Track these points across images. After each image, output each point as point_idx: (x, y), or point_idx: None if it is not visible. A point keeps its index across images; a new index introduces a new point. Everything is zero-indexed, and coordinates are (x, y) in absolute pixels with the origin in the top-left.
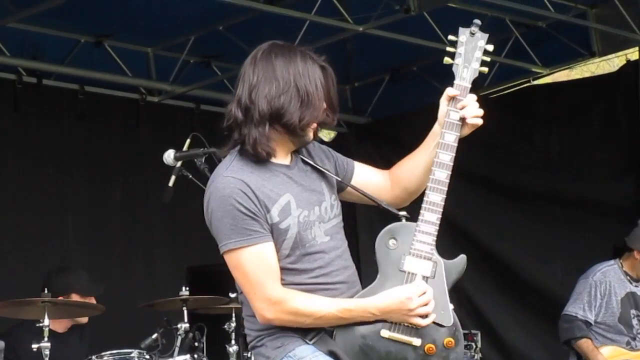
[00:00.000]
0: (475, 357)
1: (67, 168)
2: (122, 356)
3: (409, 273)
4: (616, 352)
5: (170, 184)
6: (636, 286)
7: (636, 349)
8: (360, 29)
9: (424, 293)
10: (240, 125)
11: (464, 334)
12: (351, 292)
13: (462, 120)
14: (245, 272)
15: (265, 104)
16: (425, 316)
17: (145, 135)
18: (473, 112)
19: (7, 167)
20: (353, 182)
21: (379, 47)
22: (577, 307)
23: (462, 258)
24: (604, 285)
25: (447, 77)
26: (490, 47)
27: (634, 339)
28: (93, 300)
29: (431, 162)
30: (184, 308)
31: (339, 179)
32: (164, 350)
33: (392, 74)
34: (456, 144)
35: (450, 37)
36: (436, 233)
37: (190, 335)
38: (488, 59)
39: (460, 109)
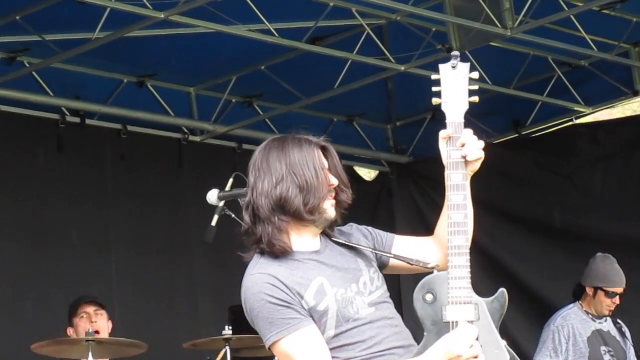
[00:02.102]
0: None
1: (110, 207)
2: None
3: (453, 322)
4: None
5: (213, 223)
6: (600, 323)
7: None
8: (402, 68)
9: (468, 334)
10: (253, 228)
11: None
12: (408, 355)
13: (465, 157)
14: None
15: (264, 200)
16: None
17: (188, 175)
18: (472, 147)
19: (49, 206)
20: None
21: (421, 87)
22: (544, 356)
23: (502, 292)
24: (566, 329)
25: (489, 116)
26: (475, 75)
27: None
28: (105, 317)
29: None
30: (227, 347)
31: (378, 253)
32: None
33: (433, 113)
34: (466, 182)
35: (433, 76)
36: (469, 275)
37: None
38: (476, 87)
39: (461, 147)
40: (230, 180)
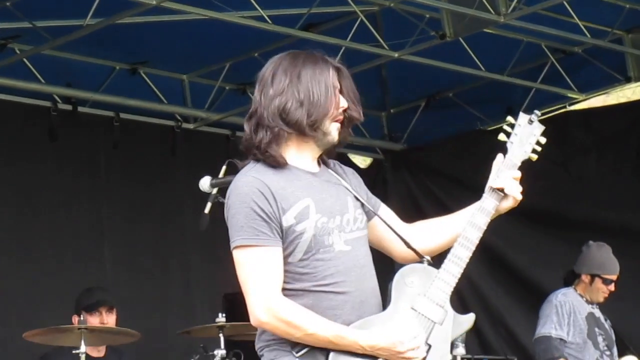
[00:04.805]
0: None
1: (103, 195)
2: None
3: (419, 314)
4: None
5: (206, 210)
6: (592, 308)
7: None
8: (396, 55)
9: (415, 337)
10: (253, 136)
11: None
12: (361, 310)
13: (502, 191)
14: (247, 272)
15: (266, 110)
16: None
17: (181, 162)
18: (510, 184)
19: (42, 194)
20: (375, 220)
21: (415, 74)
22: (549, 327)
23: (471, 316)
24: (567, 305)
25: (483, 103)
26: (543, 140)
27: (601, 356)
28: (114, 316)
29: (459, 232)
30: (221, 335)
31: (369, 208)
32: None
33: (427, 101)
34: (493, 211)
35: (509, 119)
36: (454, 285)
37: None
38: (539, 148)
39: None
40: (224, 168)
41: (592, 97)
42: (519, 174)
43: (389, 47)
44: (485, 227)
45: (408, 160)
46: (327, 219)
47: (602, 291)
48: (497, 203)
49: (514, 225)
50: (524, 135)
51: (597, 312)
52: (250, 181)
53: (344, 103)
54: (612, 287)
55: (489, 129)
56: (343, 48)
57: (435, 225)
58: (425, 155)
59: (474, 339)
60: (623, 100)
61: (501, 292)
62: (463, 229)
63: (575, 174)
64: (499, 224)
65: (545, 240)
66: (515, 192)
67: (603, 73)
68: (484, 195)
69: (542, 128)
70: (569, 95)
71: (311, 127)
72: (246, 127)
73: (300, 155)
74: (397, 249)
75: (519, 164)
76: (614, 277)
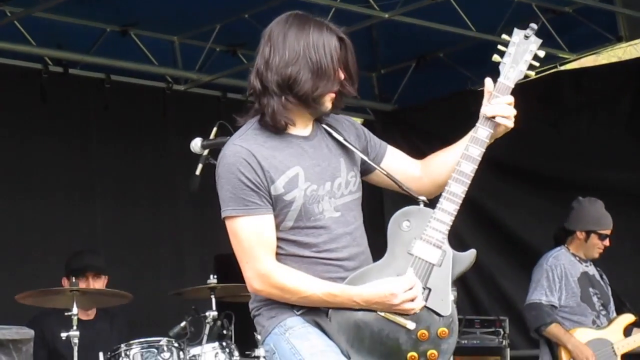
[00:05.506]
0: (503, 343)
1: (94, 156)
2: (150, 344)
3: (416, 257)
4: (586, 333)
5: (197, 172)
6: (586, 266)
7: (602, 327)
8: (387, 15)
9: (411, 288)
10: (260, 96)
11: (493, 320)
12: (356, 272)
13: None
14: (240, 241)
15: (276, 75)
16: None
17: (172, 124)
18: (503, 110)
19: (33, 156)
20: (382, 165)
21: (405, 34)
22: (540, 294)
23: (472, 252)
24: (559, 269)
25: (474, 64)
26: (542, 53)
27: (597, 317)
28: (102, 281)
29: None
30: (212, 296)
31: (367, 160)
32: (193, 338)
33: (418, 61)
34: (487, 140)
35: (504, 37)
36: (451, 223)
37: (219, 323)
38: (537, 64)
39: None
40: (215, 129)
41: (583, 57)
42: (511, 99)
43: (379, 7)
44: (480, 159)
45: (398, 120)
46: (316, 187)
47: (597, 247)
48: (491, 131)
49: (506, 185)
50: (519, 54)
51: (592, 270)
52: (237, 150)
53: (340, 74)
54: (607, 242)
55: (480, 89)
56: (333, 9)
57: (445, 152)
58: (415, 116)
59: (466, 299)
60: (614, 59)
61: (492, 253)
62: (457, 163)
63: (566, 133)
64: (490, 184)
65: (537, 200)
66: (504, 120)
67: (594, 33)
68: (477, 124)
69: (539, 42)
70: (560, 55)
71: (314, 100)
72: (254, 82)
73: (293, 120)
74: (416, 187)
75: (512, 86)
76: (609, 232)
